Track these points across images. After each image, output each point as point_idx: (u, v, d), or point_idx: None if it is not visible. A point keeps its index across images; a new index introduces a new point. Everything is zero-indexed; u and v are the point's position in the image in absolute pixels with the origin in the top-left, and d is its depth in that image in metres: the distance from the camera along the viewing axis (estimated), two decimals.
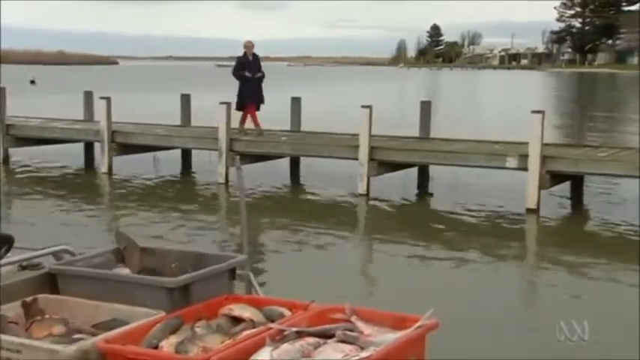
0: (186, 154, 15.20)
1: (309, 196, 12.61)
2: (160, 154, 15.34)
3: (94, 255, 3.69)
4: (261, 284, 4.11)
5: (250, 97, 13.68)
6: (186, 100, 16.15)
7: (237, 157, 4.74)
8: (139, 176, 14.14)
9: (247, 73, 13.61)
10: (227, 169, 13.04)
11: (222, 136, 13.11)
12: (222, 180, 13.08)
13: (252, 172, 13.46)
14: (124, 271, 3.60)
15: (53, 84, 50.58)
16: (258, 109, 13.87)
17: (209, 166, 14.60)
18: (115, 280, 3.38)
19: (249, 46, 13.83)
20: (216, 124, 13.41)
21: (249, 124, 13.98)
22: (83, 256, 3.73)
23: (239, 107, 13.82)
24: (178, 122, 15.99)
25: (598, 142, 18.09)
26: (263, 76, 13.82)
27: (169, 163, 15.23)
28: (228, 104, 13.22)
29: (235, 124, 13.61)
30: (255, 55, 13.90)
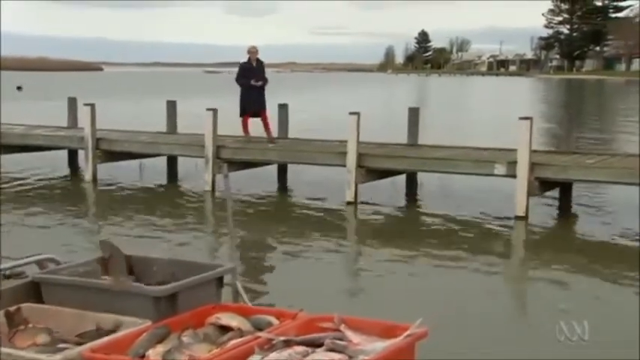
0: (172, 162, 15.16)
1: (297, 204, 12.61)
2: (145, 161, 15.29)
3: (79, 264, 3.67)
4: (249, 293, 4.11)
5: (252, 104, 13.53)
6: (172, 106, 16.12)
7: (224, 164, 4.74)
8: (124, 184, 14.09)
9: (253, 81, 13.42)
10: (214, 176, 13.02)
11: (208, 143, 13.09)
12: (208, 187, 13.06)
13: (239, 179, 13.44)
14: (108, 280, 3.58)
15: (38, 90, 50.36)
16: (257, 115, 13.69)
17: (195, 173, 14.58)
18: (100, 289, 3.37)
19: (253, 51, 13.66)
20: (202, 131, 13.39)
21: (257, 130, 13.78)
22: (68, 264, 3.71)
23: (242, 114, 13.72)
24: (164, 129, 15.95)
25: (586, 148, 18.24)
26: (266, 82, 13.65)
27: (155, 170, 15.18)
28: (215, 110, 13.21)
29: (221, 130, 13.58)
30: (259, 61, 13.74)
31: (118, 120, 18.94)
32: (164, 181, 14.67)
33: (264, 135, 13.84)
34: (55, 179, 14.84)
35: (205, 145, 13.13)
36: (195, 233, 10.21)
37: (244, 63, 13.76)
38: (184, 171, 15.08)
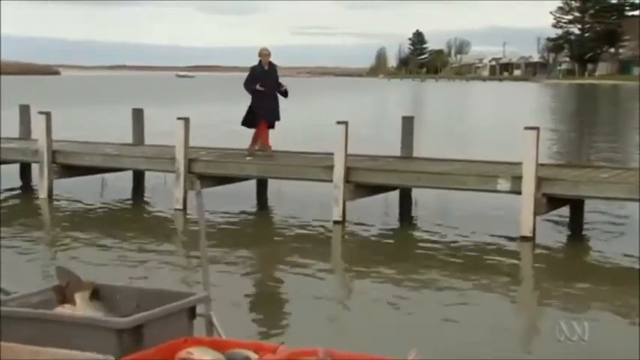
0: (138, 177, 15.14)
1: (278, 223, 12.61)
2: (108, 176, 15.25)
3: (32, 293, 3.67)
4: (224, 324, 4.11)
5: (265, 112, 13.49)
6: (138, 115, 16.12)
7: (197, 179, 4.76)
8: (83, 202, 14.04)
9: (258, 86, 13.40)
10: (185, 193, 13.02)
11: (179, 155, 13.10)
12: (179, 206, 13.04)
13: (213, 196, 13.43)
14: (66, 311, 3.58)
15: None
16: (272, 126, 13.72)
17: (165, 190, 14.56)
18: (57, 322, 3.37)
19: (265, 53, 13.63)
20: (172, 143, 13.39)
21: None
22: (19, 294, 3.70)
23: (247, 123, 13.70)
24: (130, 140, 15.94)
25: (600, 162, 18.40)
26: (281, 89, 13.62)
27: (119, 186, 15.13)
28: (186, 119, 13.23)
29: (194, 141, 13.59)
30: (272, 65, 13.74)
31: (77, 130, 18.91)
32: (129, 198, 14.63)
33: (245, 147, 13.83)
34: (4, 197, 14.76)
35: (176, 158, 13.13)
36: (165, 258, 10.18)
37: (255, 67, 13.75)
38: (152, 187, 15.05)
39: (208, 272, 4.29)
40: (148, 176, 15.14)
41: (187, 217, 12.72)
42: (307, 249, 10.82)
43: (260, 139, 13.77)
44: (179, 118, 13.32)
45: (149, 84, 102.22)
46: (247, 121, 13.81)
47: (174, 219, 12.79)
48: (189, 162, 13.14)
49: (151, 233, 11.76)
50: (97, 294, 3.70)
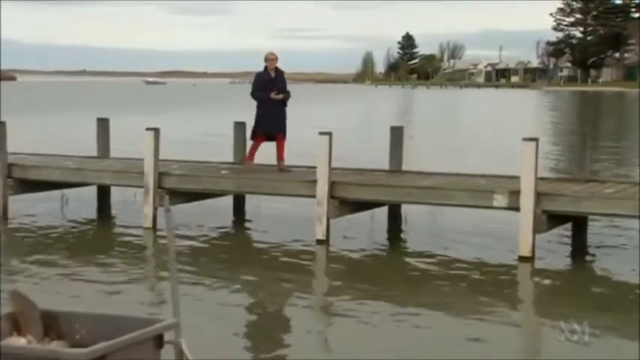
0: (103, 193, 15.08)
1: (256, 243, 12.58)
2: (69, 192, 15.17)
3: None
4: (196, 353, 4.09)
5: (269, 124, 13.42)
6: (104, 125, 16.06)
7: (166, 195, 4.75)
8: (42, 220, 13.96)
9: (273, 94, 13.33)
10: (155, 210, 12.97)
11: (148, 169, 13.06)
12: (148, 224, 12.99)
13: (186, 213, 13.40)
14: (19, 340, 3.55)
15: None
16: (272, 138, 13.63)
17: (132, 206, 14.49)
18: (9, 354, 3.33)
19: (271, 58, 13.56)
20: (141, 155, 13.35)
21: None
22: None
23: (253, 136, 13.65)
24: (94, 152, 15.88)
25: (604, 175, 18.51)
26: (287, 96, 13.54)
27: (82, 203, 15.06)
28: (156, 130, 13.20)
29: (164, 154, 13.56)
30: (279, 71, 13.68)
31: (35, 141, 18.81)
32: (93, 216, 14.56)
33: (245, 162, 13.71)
34: None
35: (145, 171, 13.09)
36: (131, 281, 10.13)
37: (261, 73, 13.69)
38: (118, 204, 14.98)
39: (179, 296, 4.27)
40: (114, 192, 15.07)
41: (157, 236, 12.67)
42: (287, 271, 10.79)
43: (277, 154, 13.55)
44: (148, 129, 13.28)
45: (115, 91, 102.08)
46: (256, 134, 13.67)
47: (142, 238, 12.73)
48: (160, 176, 13.09)
49: (117, 254, 11.69)
50: (54, 322, 3.67)
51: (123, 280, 10.10)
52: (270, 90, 13.45)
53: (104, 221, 14.28)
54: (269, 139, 13.72)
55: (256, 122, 13.65)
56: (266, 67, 13.64)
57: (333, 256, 11.70)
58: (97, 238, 13.01)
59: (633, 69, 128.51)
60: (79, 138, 18.44)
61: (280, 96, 13.46)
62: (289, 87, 13.95)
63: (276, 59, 13.61)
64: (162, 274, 10.28)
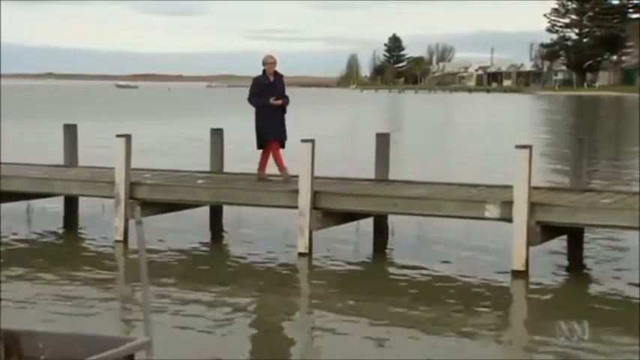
0: (70, 203, 15.01)
1: (234, 257, 12.55)
2: (35, 203, 15.09)
3: None
4: None
5: (271, 131, 13.25)
6: (71, 131, 15.98)
7: (138, 206, 4.73)
8: (4, 233, 13.87)
9: (272, 100, 13.18)
10: (126, 222, 12.92)
11: (119, 178, 13.01)
12: (119, 237, 12.94)
13: (159, 225, 13.36)
14: None
15: None
16: (282, 146, 13.50)
17: (102, 218, 14.43)
18: None
19: (270, 62, 13.47)
20: (111, 164, 13.30)
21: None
22: None
23: (260, 145, 13.47)
24: (61, 161, 15.82)
25: (601, 185, 18.60)
26: (286, 102, 13.41)
27: (48, 215, 14.99)
28: (128, 137, 13.16)
29: (136, 162, 13.53)
30: (278, 75, 13.59)
31: None
32: (60, 228, 14.49)
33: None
34: None
35: (115, 181, 13.04)
36: (101, 297, 10.07)
37: (259, 77, 13.59)
38: (87, 215, 14.91)
39: (150, 314, 4.25)
40: (83, 203, 15.00)
41: (128, 250, 12.62)
42: (267, 286, 10.76)
43: (275, 163, 13.42)
44: (119, 135, 13.24)
45: (84, 95, 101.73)
46: (260, 143, 13.46)
47: (112, 252, 12.67)
48: (131, 186, 13.05)
49: (86, 269, 11.63)
50: (16, 342, 3.64)
51: (91, 297, 10.05)
52: (269, 95, 13.34)
53: (72, 234, 14.21)
54: (282, 145, 13.44)
55: (257, 130, 13.49)
56: (264, 71, 13.55)
57: (316, 271, 11.69)
58: (63, 252, 12.93)
59: (631, 72, 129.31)
60: (44, 145, 18.37)
61: (279, 101, 13.37)
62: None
63: (274, 63, 13.52)
64: (133, 290, 10.25)
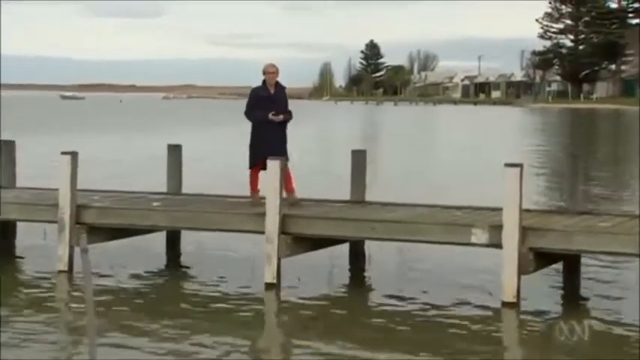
0: (6, 229, 14.90)
1: (193, 288, 12.50)
2: None
3: None
4: None
5: (269, 148, 12.91)
6: (8, 148, 15.89)
7: (84, 233, 4.71)
8: None
9: (271, 115, 13.00)
10: (71, 249, 12.85)
11: (64, 201, 12.94)
12: (63, 267, 12.86)
13: (109, 253, 13.29)
14: None
15: None
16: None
17: (43, 246, 14.33)
18: None
19: (271, 72, 13.25)
20: (55, 185, 13.23)
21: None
22: None
23: (253, 163, 13.27)
24: None
25: (599, 207, 18.74)
26: (289, 116, 13.27)
27: None
28: (74, 154, 13.10)
29: (83, 183, 13.47)
30: (279, 86, 13.41)
31: None
32: None
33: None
34: None
35: (59, 204, 12.97)
36: (41, 336, 9.97)
37: (258, 88, 13.42)
38: (26, 243, 14.80)
39: (95, 353, 4.23)
40: (21, 228, 14.90)
41: (74, 282, 12.53)
42: (230, 321, 10.72)
43: (284, 185, 13.14)
44: (64, 153, 13.18)
45: (22, 108, 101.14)
46: (255, 160, 13.25)
47: (55, 284, 12.58)
48: (77, 209, 12.98)
49: (23, 303, 11.56)
50: None
51: (30, 332, 9.97)
52: (269, 109, 13.16)
53: (8, 264, 14.06)
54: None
55: (252, 147, 13.33)
56: (264, 82, 13.37)
57: (285, 305, 11.66)
58: None
59: (631, 83, 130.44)
60: None
61: (280, 117, 13.19)
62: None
63: (276, 72, 13.31)
64: (77, 325, 10.16)
